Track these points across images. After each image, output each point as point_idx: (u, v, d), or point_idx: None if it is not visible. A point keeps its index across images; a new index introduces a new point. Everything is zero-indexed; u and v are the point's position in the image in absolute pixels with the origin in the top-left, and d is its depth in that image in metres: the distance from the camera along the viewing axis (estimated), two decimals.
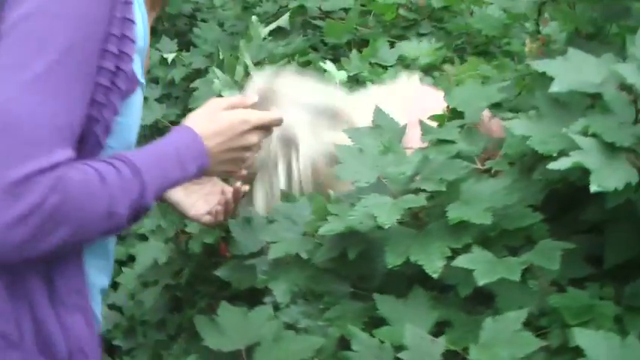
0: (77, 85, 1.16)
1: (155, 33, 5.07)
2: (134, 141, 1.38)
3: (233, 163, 1.49)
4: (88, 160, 1.20)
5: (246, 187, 1.81)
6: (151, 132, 4.29)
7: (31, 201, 1.07)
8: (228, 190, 1.80)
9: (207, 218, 1.81)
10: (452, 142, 1.49)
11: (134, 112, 1.34)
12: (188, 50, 4.55)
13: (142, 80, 1.38)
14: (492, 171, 1.49)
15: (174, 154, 1.34)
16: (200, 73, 4.11)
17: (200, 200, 1.80)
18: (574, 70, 1.34)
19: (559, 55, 1.84)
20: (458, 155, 1.49)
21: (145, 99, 4.37)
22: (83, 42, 1.16)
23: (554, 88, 1.29)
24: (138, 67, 1.32)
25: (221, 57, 2.80)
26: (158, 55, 4.58)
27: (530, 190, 1.38)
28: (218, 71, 2.58)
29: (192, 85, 3.41)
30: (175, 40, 4.72)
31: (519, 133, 1.30)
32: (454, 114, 1.62)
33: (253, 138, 1.49)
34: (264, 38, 3.21)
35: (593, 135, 1.20)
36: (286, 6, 3.68)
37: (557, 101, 1.36)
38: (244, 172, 1.60)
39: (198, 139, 1.39)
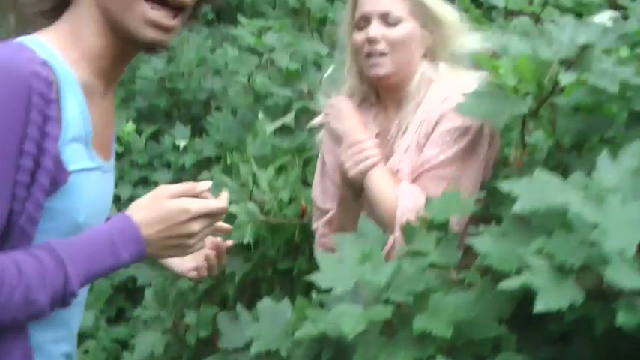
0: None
1: (170, 118, 5.25)
2: (82, 221, 1.45)
3: (177, 249, 1.52)
4: (10, 251, 1.30)
5: (229, 242, 1.92)
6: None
7: None
8: (219, 244, 1.91)
9: (192, 274, 1.91)
10: (425, 253, 1.57)
11: (77, 196, 1.42)
12: (201, 136, 4.69)
13: (93, 164, 1.47)
14: (465, 282, 1.56)
15: (106, 242, 1.40)
16: (210, 161, 4.25)
17: (189, 256, 1.86)
18: (538, 192, 1.42)
19: (540, 166, 1.96)
20: (432, 266, 1.57)
21: (156, 183, 4.52)
22: None
23: (516, 208, 1.38)
24: (79, 154, 1.41)
25: (228, 162, 2.91)
26: (171, 140, 4.73)
27: (497, 302, 1.46)
28: (222, 177, 2.70)
29: (199, 178, 3.51)
30: (189, 127, 4.88)
31: (481, 250, 1.39)
32: (432, 224, 1.70)
33: (194, 226, 1.50)
34: (270, 134, 3.33)
35: (548, 255, 1.28)
36: (297, 100, 3.81)
37: (521, 220, 1.44)
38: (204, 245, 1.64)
39: (134, 226, 1.43)
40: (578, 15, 2.73)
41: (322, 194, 2.31)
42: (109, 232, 1.42)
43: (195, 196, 1.54)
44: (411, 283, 1.48)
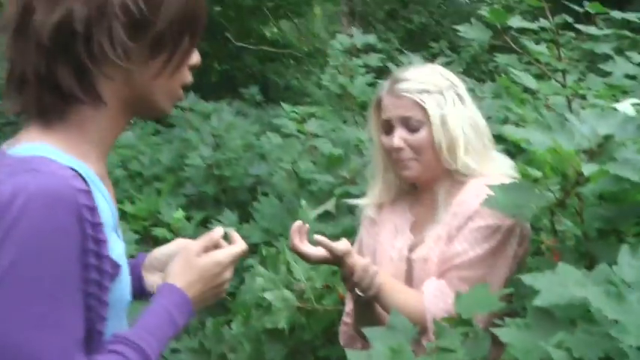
0: (73, 308, 1.31)
1: (218, 205, 5.35)
2: (129, 299, 1.51)
3: (215, 297, 1.60)
4: (99, 356, 1.36)
5: None
6: None
7: None
8: None
9: None
10: (452, 350, 1.60)
11: (124, 279, 1.47)
12: (249, 222, 4.77)
13: (122, 242, 1.49)
14: None
15: (167, 317, 1.46)
16: (257, 246, 4.30)
17: None
18: (560, 285, 1.45)
19: (571, 254, 1.98)
20: None
21: None
22: (66, 275, 1.29)
23: (538, 302, 1.42)
24: (115, 242, 1.43)
25: (264, 253, 2.96)
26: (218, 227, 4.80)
27: None
28: (260, 268, 2.75)
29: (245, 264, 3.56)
30: (236, 212, 4.96)
31: (505, 340, 1.42)
32: (460, 321, 1.73)
33: (227, 275, 1.59)
34: (313, 220, 3.38)
35: (567, 349, 1.31)
36: (340, 185, 3.87)
37: (544, 312, 1.47)
38: None
39: (183, 294, 1.50)
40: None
41: None
42: (165, 306, 1.48)
43: (217, 245, 1.63)
44: None
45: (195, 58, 1.56)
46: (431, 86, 2.12)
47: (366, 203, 2.38)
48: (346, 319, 2.34)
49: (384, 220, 2.33)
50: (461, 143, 2.13)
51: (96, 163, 1.43)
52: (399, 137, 2.14)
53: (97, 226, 1.34)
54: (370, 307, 2.16)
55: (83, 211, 1.29)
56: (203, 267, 1.55)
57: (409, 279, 2.20)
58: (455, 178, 2.17)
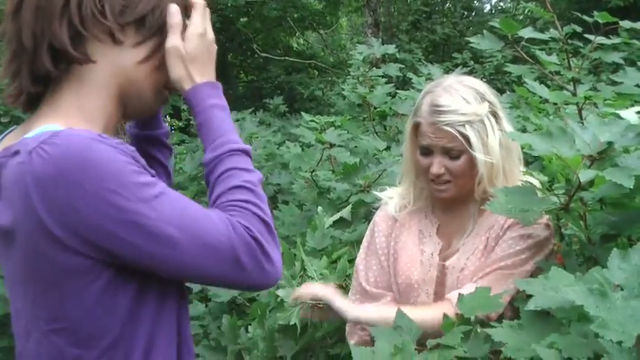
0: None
1: None
2: None
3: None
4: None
5: None
6: (229, 308, 4.55)
7: None
8: None
9: None
10: (452, 347, 1.65)
11: None
12: None
13: None
14: None
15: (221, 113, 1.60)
16: None
17: None
18: (552, 289, 1.51)
19: (576, 257, 2.03)
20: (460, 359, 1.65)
21: None
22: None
23: (530, 306, 1.47)
24: None
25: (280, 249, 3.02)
26: None
27: None
28: None
29: None
30: None
31: (498, 339, 1.47)
32: (462, 320, 1.78)
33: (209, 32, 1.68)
34: (329, 227, 3.45)
35: (557, 349, 1.36)
36: (356, 193, 3.93)
37: (538, 314, 1.53)
38: None
39: (207, 84, 1.62)
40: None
41: (365, 271, 2.40)
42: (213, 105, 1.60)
43: None
44: None
45: None
46: (472, 116, 2.12)
47: (390, 197, 2.42)
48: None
49: (406, 221, 2.36)
50: (500, 172, 2.16)
51: None
52: (439, 164, 2.16)
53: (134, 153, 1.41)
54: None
55: (117, 145, 1.37)
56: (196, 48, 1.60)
57: (441, 285, 2.23)
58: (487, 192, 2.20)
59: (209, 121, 1.56)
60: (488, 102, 2.18)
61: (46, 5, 1.44)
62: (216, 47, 1.67)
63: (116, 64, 1.50)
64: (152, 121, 1.87)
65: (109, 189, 1.31)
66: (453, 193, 2.21)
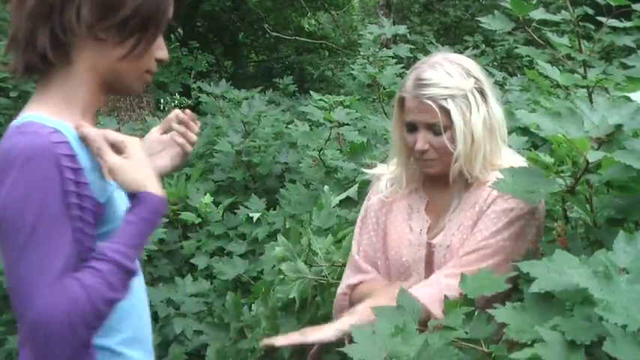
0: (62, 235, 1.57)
1: (246, 190, 5.42)
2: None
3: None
4: (77, 273, 1.56)
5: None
6: (234, 286, 4.55)
7: None
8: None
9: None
10: (453, 328, 1.64)
11: (116, 214, 1.70)
12: (276, 208, 4.84)
13: (112, 186, 1.70)
14: (492, 355, 1.62)
15: (141, 224, 1.65)
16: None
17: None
18: (556, 271, 1.49)
19: (581, 240, 2.01)
20: (465, 340, 1.64)
21: (229, 254, 4.67)
22: (50, 212, 1.55)
23: (534, 288, 1.45)
24: (101, 186, 1.67)
25: (287, 225, 3.02)
26: (247, 212, 4.89)
27: None
28: (282, 238, 2.80)
29: (267, 247, 3.63)
30: (264, 199, 5.03)
31: (500, 320, 1.46)
32: (466, 301, 1.77)
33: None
34: (335, 206, 3.44)
35: (560, 332, 1.35)
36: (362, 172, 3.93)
37: (542, 296, 1.51)
38: None
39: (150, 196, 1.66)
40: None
41: (357, 245, 2.39)
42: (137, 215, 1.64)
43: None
44: (438, 356, 1.55)
45: (163, 53, 1.83)
46: (455, 90, 2.11)
47: (381, 173, 2.41)
48: (347, 290, 2.37)
49: (396, 197, 2.35)
50: (480, 151, 2.14)
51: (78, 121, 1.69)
52: (423, 140, 2.15)
53: (77, 171, 1.59)
54: None
55: (61, 159, 1.56)
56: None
57: (429, 264, 2.22)
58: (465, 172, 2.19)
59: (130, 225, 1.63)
60: (475, 78, 2.16)
61: (35, 12, 1.64)
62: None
63: (99, 60, 1.70)
64: None
65: (25, 196, 1.53)
66: (440, 169, 2.20)
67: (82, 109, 1.72)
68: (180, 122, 2.01)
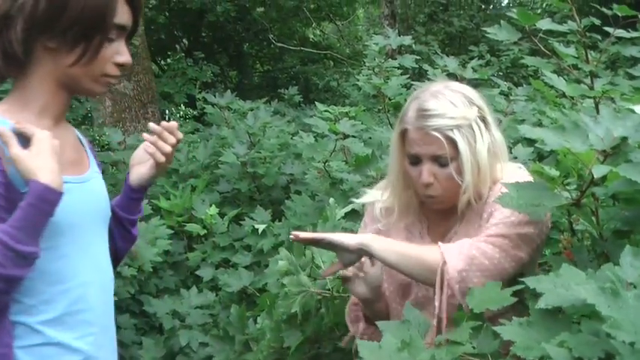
0: None
1: (252, 202, 5.42)
2: (59, 220, 1.78)
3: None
4: None
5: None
6: (239, 298, 4.54)
7: None
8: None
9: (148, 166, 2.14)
10: (460, 343, 1.63)
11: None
12: (281, 220, 4.84)
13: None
14: None
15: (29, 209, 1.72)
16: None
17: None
18: (562, 286, 1.48)
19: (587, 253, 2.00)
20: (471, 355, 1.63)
21: (235, 265, 4.66)
22: None
23: (541, 305, 1.45)
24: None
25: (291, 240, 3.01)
26: (252, 224, 4.89)
27: None
28: (285, 252, 2.79)
29: (271, 260, 3.62)
30: (269, 210, 5.03)
31: (507, 337, 1.45)
32: (472, 315, 1.76)
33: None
34: (340, 218, 3.43)
35: (567, 348, 1.33)
36: (369, 185, 3.92)
37: (548, 312, 1.50)
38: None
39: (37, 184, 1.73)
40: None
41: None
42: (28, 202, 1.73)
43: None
44: None
45: (123, 58, 1.91)
46: (460, 120, 2.06)
47: (374, 200, 2.36)
48: (355, 299, 2.36)
49: (393, 223, 2.30)
50: (487, 178, 2.11)
51: (32, 120, 1.83)
52: (428, 172, 2.10)
53: None
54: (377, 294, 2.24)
55: None
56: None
57: (440, 284, 2.18)
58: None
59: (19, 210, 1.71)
60: (477, 106, 2.12)
61: None
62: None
63: (53, 67, 1.85)
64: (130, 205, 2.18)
65: None
66: (444, 203, 2.16)
67: (39, 111, 1.87)
68: (154, 133, 2.06)
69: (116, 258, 2.19)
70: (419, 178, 2.12)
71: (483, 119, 2.12)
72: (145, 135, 2.07)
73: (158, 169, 2.11)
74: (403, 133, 2.14)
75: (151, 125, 2.06)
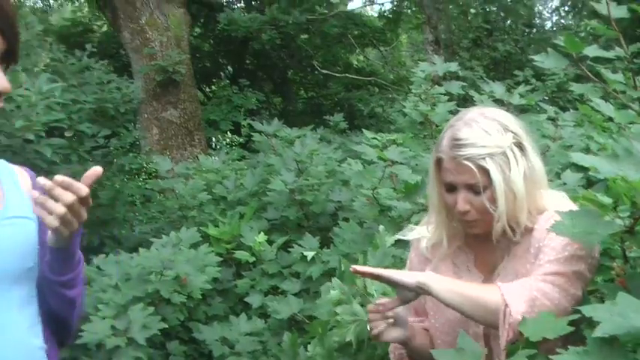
0: None
1: (300, 229, 5.46)
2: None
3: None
4: None
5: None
6: (288, 325, 4.57)
7: None
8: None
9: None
10: None
11: None
12: (329, 247, 4.86)
13: None
14: None
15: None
16: (336, 271, 4.38)
17: None
18: (619, 315, 1.49)
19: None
20: None
21: (284, 292, 4.69)
22: None
23: (598, 333, 1.45)
24: None
25: (342, 268, 3.04)
26: (300, 251, 4.92)
27: None
28: (337, 281, 2.82)
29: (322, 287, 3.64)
30: (317, 237, 5.06)
31: None
32: (527, 344, 1.77)
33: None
34: (390, 246, 3.45)
35: None
36: (418, 212, 3.93)
37: (605, 340, 1.51)
38: None
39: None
40: None
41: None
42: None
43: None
44: None
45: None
46: (493, 148, 2.08)
47: (419, 237, 2.37)
48: None
49: (439, 258, 2.32)
50: (524, 206, 2.12)
51: None
52: (463, 201, 2.12)
53: None
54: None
55: None
56: None
57: None
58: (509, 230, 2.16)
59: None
60: (513, 133, 2.13)
61: None
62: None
63: None
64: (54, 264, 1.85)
65: None
66: (483, 229, 2.17)
67: None
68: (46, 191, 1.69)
69: (58, 324, 1.93)
70: (455, 205, 2.14)
71: (519, 145, 2.13)
72: (34, 192, 1.71)
73: (58, 233, 1.73)
74: (439, 162, 2.17)
75: (40, 180, 1.69)
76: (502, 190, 2.08)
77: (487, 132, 2.10)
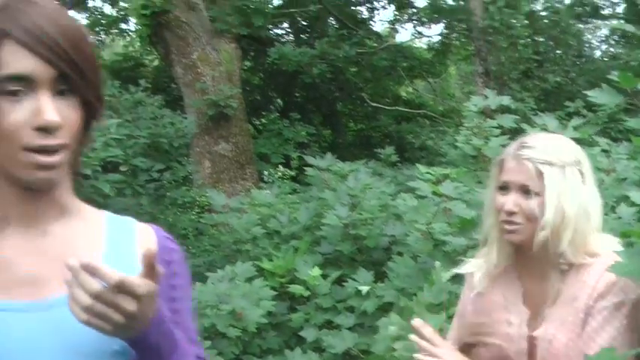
0: None
1: (353, 263, 5.49)
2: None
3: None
4: None
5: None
6: (343, 359, 4.59)
7: None
8: None
9: None
10: None
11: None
12: (383, 281, 4.88)
13: None
14: None
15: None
16: (391, 306, 4.40)
17: None
18: None
19: None
20: None
21: (338, 327, 4.72)
22: None
23: None
24: None
25: (401, 303, 3.07)
26: (354, 285, 4.95)
27: None
28: (396, 317, 2.85)
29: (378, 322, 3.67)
30: (372, 272, 5.08)
31: None
32: None
33: None
34: (446, 282, 3.47)
35: None
36: (473, 247, 3.94)
37: None
38: None
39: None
40: None
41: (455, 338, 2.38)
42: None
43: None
44: None
45: (41, 116, 1.30)
46: (554, 159, 2.12)
47: (473, 271, 2.36)
48: None
49: (490, 290, 2.31)
50: (570, 228, 2.12)
51: None
52: (513, 202, 2.14)
53: None
54: None
55: None
56: None
57: (531, 356, 2.17)
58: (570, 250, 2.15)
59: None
60: (577, 158, 2.16)
61: None
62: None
63: None
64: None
65: None
66: (522, 237, 2.16)
67: None
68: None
69: None
70: (503, 206, 2.15)
71: (580, 172, 2.15)
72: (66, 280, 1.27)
73: (98, 326, 1.27)
74: (501, 163, 2.21)
75: (70, 261, 1.23)
76: (552, 200, 2.09)
77: (553, 145, 2.16)
